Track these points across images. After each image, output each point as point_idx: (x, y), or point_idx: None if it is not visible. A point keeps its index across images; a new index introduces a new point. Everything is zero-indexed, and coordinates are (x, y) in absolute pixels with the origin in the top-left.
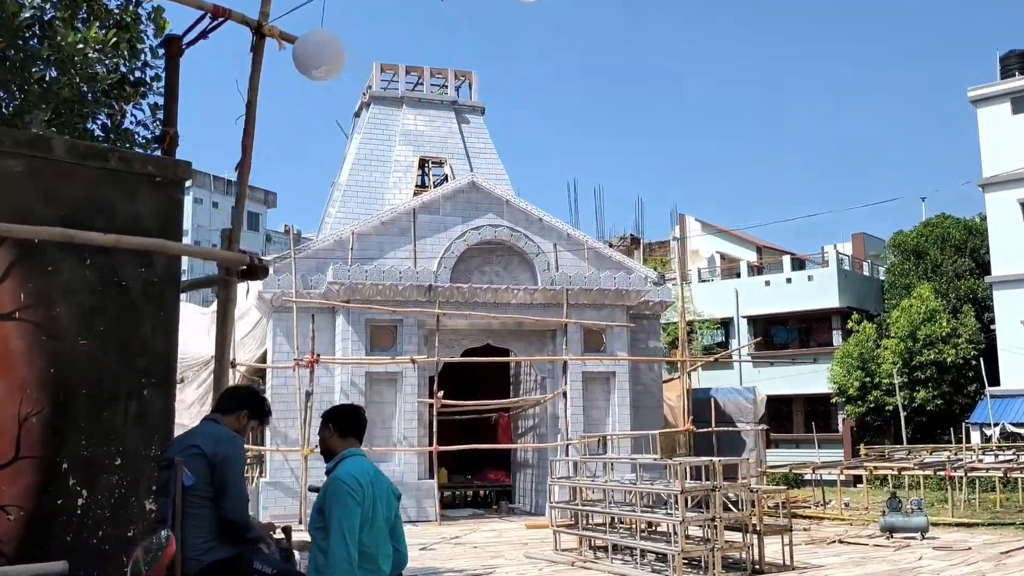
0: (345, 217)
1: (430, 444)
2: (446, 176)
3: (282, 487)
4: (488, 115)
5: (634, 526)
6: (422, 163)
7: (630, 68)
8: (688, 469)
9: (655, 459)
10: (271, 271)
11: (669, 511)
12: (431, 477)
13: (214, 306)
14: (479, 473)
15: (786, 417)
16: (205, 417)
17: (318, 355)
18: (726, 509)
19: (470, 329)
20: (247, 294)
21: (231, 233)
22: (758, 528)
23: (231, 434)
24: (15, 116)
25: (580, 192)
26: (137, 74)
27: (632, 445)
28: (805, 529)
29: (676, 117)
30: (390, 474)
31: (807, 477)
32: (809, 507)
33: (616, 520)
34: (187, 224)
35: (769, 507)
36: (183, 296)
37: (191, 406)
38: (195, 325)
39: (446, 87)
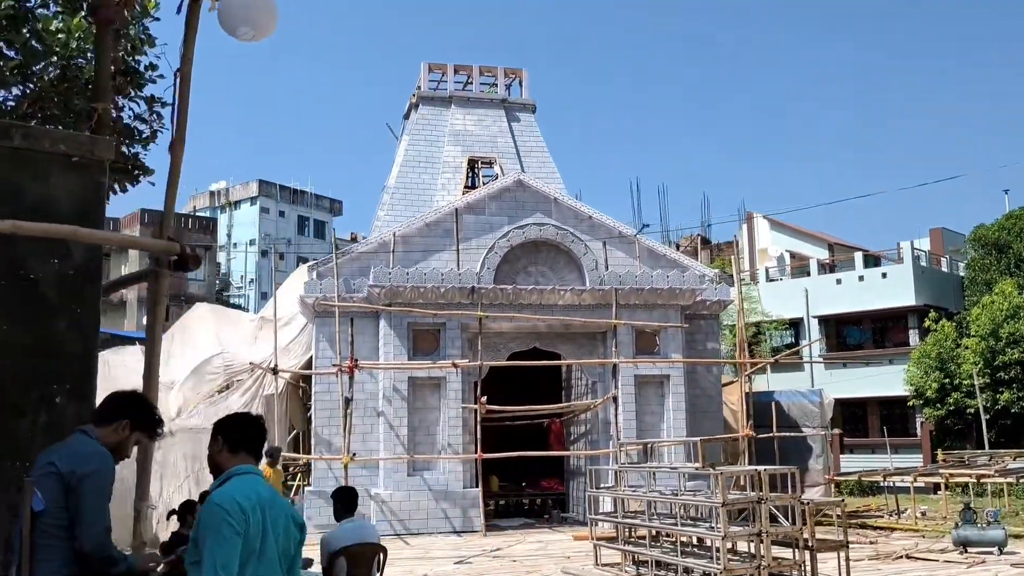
0: (394, 220)
1: (475, 451)
2: (496, 176)
3: (325, 496)
4: (542, 113)
5: (677, 540)
6: (471, 163)
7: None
8: (735, 479)
9: (696, 468)
10: (315, 275)
11: (713, 524)
12: (475, 485)
13: (265, 311)
14: (532, 481)
15: (860, 421)
16: (76, 428)
17: (356, 360)
18: (775, 522)
19: (516, 332)
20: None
21: (162, 219)
22: (810, 544)
23: (97, 449)
24: None
25: (643, 192)
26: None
27: (686, 452)
28: (872, 542)
29: (744, 110)
30: (434, 482)
31: (882, 484)
32: (882, 516)
33: (660, 533)
34: (254, 233)
35: (832, 517)
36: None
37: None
38: (244, 331)
39: (495, 85)
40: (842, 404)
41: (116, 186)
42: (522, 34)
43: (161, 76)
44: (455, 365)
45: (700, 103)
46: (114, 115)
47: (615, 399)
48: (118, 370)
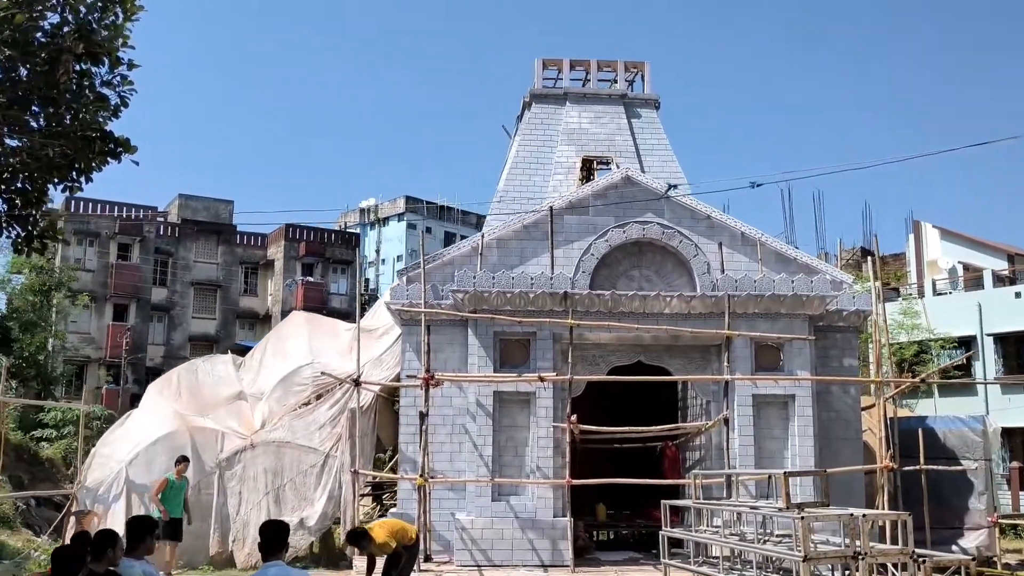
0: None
1: (566, 476)
2: None
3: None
4: (678, 116)
5: None
6: (586, 164)
7: (847, 55)
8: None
9: (779, 509)
10: (404, 280)
11: None
12: (566, 514)
13: (366, 320)
14: (642, 510)
15: None
16: None
17: (433, 372)
18: None
19: (617, 344)
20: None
21: None
22: None
23: None
24: None
25: (795, 201)
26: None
27: (815, 486)
28: None
29: (906, 112)
30: (521, 509)
31: None
32: None
33: None
34: (401, 249)
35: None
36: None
37: (322, 427)
38: (340, 341)
39: (615, 80)
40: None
41: (94, 164)
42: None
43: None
44: (541, 378)
45: (858, 100)
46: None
47: (726, 421)
48: (206, 378)
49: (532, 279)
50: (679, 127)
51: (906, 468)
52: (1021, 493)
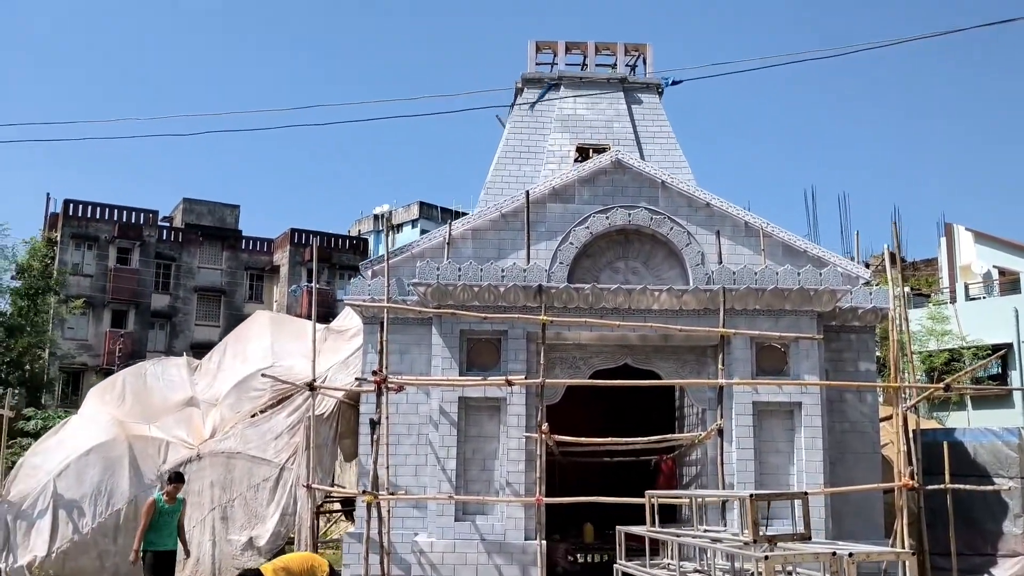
0: None
1: (547, 492)
2: None
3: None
4: (676, 96)
5: None
6: (581, 152)
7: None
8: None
9: (741, 542)
10: (368, 274)
11: None
12: (537, 537)
13: (339, 321)
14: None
15: None
16: None
17: (387, 375)
18: None
19: (600, 344)
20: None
21: None
22: None
23: None
24: None
25: (820, 202)
26: None
27: (827, 508)
28: None
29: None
30: (488, 530)
31: None
32: None
33: None
34: None
35: None
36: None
37: (279, 436)
38: (307, 343)
39: (615, 65)
40: None
41: None
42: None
43: None
44: (509, 382)
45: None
46: None
47: (721, 432)
48: (155, 382)
49: (503, 271)
50: (685, 114)
51: (930, 487)
52: None
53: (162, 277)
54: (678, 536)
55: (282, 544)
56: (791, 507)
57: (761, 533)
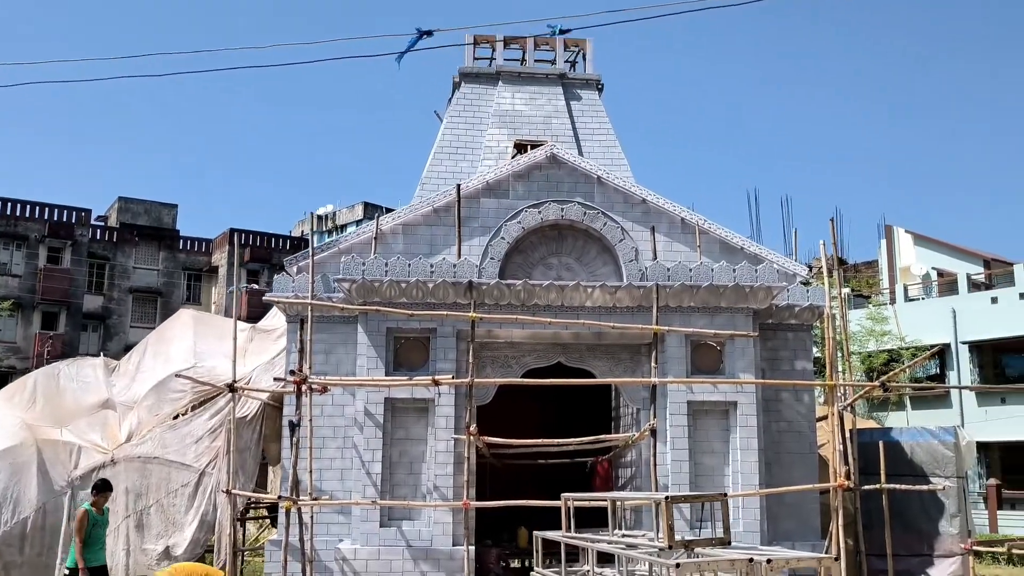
0: None
1: (478, 496)
2: None
3: (291, 550)
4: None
5: None
6: (520, 148)
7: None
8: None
9: (656, 548)
10: (294, 271)
11: None
12: (467, 542)
13: (266, 321)
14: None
15: None
16: None
17: (306, 376)
18: None
19: (533, 343)
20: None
21: None
22: None
23: None
24: None
25: (762, 204)
26: None
27: (762, 509)
28: None
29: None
30: (414, 537)
31: None
32: None
33: None
34: None
35: None
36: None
37: (199, 440)
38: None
39: (554, 61)
40: (1001, 449)
41: None
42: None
43: None
44: (436, 382)
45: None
46: None
47: (654, 432)
48: (69, 383)
49: (432, 267)
50: (630, 116)
51: (866, 487)
52: (999, 512)
53: (96, 277)
54: (593, 542)
55: (201, 552)
56: (729, 508)
57: (678, 538)
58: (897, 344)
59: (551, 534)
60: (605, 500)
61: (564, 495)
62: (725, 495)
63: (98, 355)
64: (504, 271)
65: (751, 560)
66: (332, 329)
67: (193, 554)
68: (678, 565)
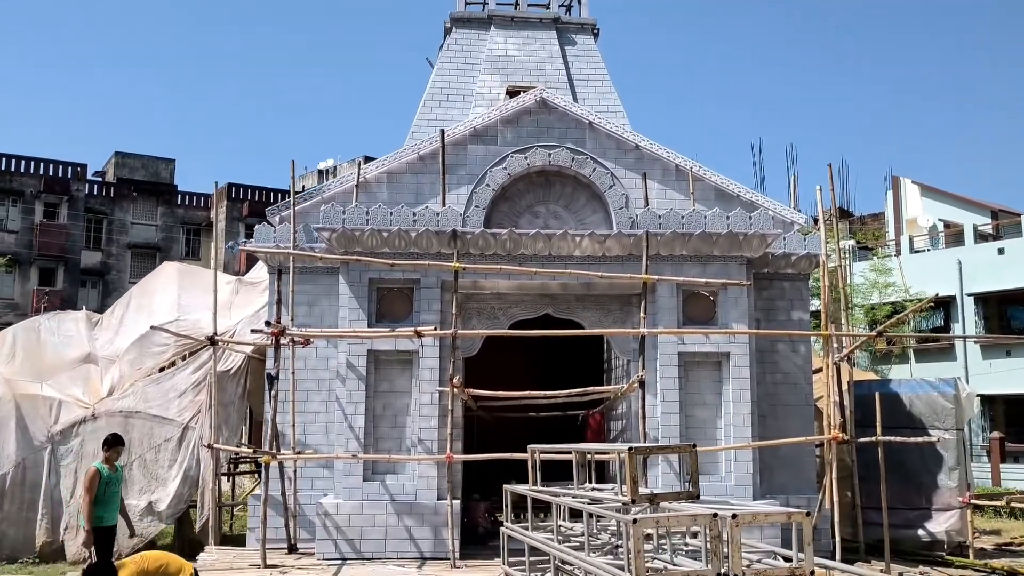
0: None
1: (466, 449)
2: None
3: (273, 502)
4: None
5: None
6: (512, 94)
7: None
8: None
9: (618, 500)
10: (276, 220)
11: None
12: (454, 496)
13: (252, 273)
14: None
15: None
16: None
17: (284, 327)
18: None
19: (520, 293)
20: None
21: None
22: None
23: None
24: None
25: (767, 154)
26: None
27: (755, 462)
28: None
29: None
30: (398, 491)
31: None
32: None
33: None
34: None
35: None
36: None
37: (183, 394)
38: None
39: (548, 5)
40: (1005, 402)
41: None
42: None
43: None
44: (418, 333)
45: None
46: None
47: (643, 383)
48: (50, 337)
49: (415, 215)
50: (626, 61)
51: (863, 440)
52: (1002, 466)
53: (93, 233)
54: (557, 496)
55: (184, 508)
56: (721, 461)
57: (642, 492)
58: (901, 296)
59: (518, 488)
60: (570, 452)
61: (530, 447)
62: (694, 446)
63: (100, 312)
64: (490, 220)
65: (715, 515)
66: (315, 280)
67: (176, 509)
68: (635, 521)
